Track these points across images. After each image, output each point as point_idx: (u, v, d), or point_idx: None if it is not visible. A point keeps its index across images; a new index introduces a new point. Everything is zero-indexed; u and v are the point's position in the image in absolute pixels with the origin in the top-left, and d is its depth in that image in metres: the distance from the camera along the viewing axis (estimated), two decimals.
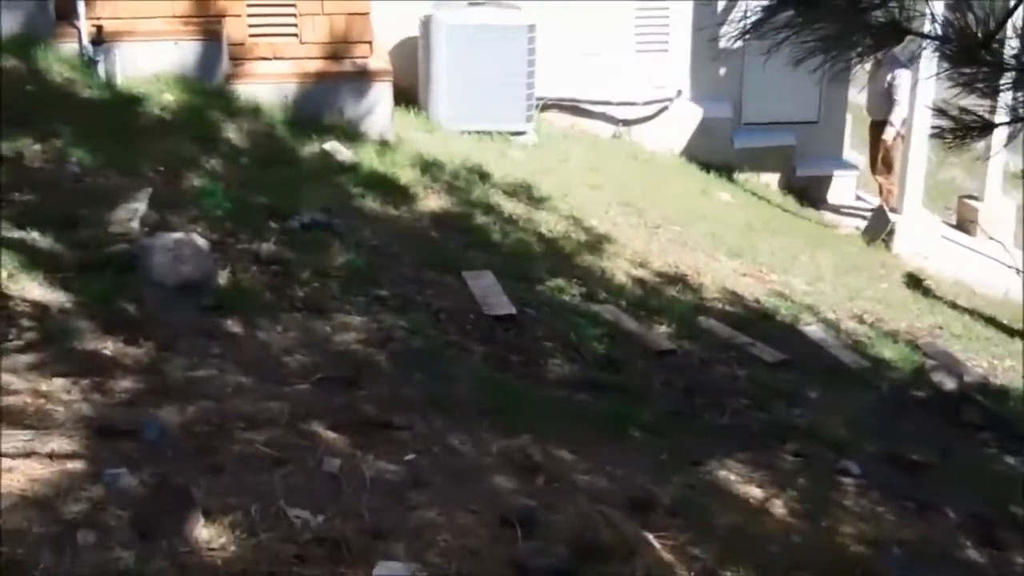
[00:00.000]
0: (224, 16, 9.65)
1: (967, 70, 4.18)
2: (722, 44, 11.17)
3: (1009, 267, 11.79)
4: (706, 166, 12.72)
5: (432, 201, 8.73)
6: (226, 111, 9.07)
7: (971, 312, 10.26)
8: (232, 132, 8.77)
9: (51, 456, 3.78)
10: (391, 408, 4.96)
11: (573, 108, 12.59)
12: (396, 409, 4.96)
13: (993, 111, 4.41)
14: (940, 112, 4.43)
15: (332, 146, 9.05)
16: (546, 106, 12.14)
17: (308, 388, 4.97)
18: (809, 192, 13.46)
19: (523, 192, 9.61)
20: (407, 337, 5.95)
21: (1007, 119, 4.33)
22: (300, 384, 5.01)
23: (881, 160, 12.81)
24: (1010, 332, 9.87)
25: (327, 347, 5.56)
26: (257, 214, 7.12)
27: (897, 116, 12.35)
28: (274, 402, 4.63)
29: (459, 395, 5.44)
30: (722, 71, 12.88)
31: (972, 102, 4.33)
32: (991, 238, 12.94)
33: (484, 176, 9.67)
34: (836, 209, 13.49)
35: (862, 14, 4.26)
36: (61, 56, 8.91)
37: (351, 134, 9.56)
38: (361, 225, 7.60)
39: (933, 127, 4.55)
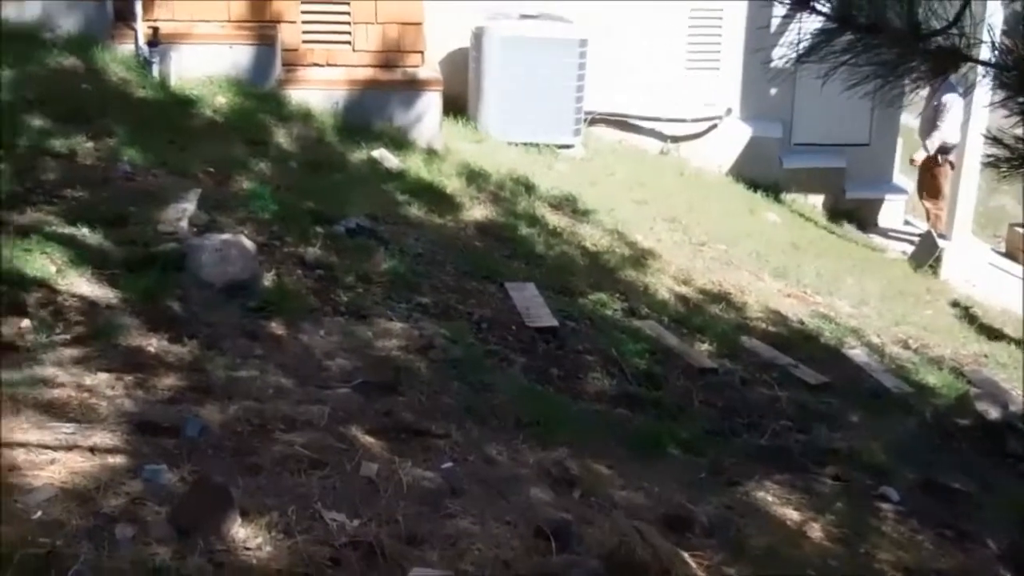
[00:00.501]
0: (279, 22, 9.73)
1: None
2: (775, 64, 11.18)
3: None
4: (753, 185, 12.68)
5: (477, 211, 8.75)
6: (277, 115, 9.13)
7: (1018, 341, 10.16)
8: (282, 136, 8.83)
9: (92, 450, 3.83)
10: (430, 415, 4.98)
11: (622, 123, 12.59)
12: (435, 417, 4.98)
13: None
14: (994, 140, 4.40)
15: (380, 153, 9.09)
16: (594, 120, 12.15)
17: (348, 392, 4.99)
18: (857, 215, 13.40)
19: (568, 205, 9.62)
20: (448, 345, 5.96)
21: None
22: (340, 388, 5.03)
23: (927, 185, 12.76)
24: None
25: (368, 352, 5.58)
26: (304, 218, 7.16)
27: (934, 141, 12.34)
28: (314, 405, 4.66)
29: (498, 405, 5.44)
30: (773, 91, 12.84)
31: None
32: None
33: (530, 188, 9.69)
34: (884, 233, 13.43)
35: (921, 40, 4.24)
36: (118, 56, 9.00)
37: (399, 142, 9.60)
38: (406, 232, 7.63)
39: (987, 155, 4.52)
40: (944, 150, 12.51)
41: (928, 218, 12.90)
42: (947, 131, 12.23)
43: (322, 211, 7.37)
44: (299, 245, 6.73)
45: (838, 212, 13.30)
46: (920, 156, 12.52)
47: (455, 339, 6.08)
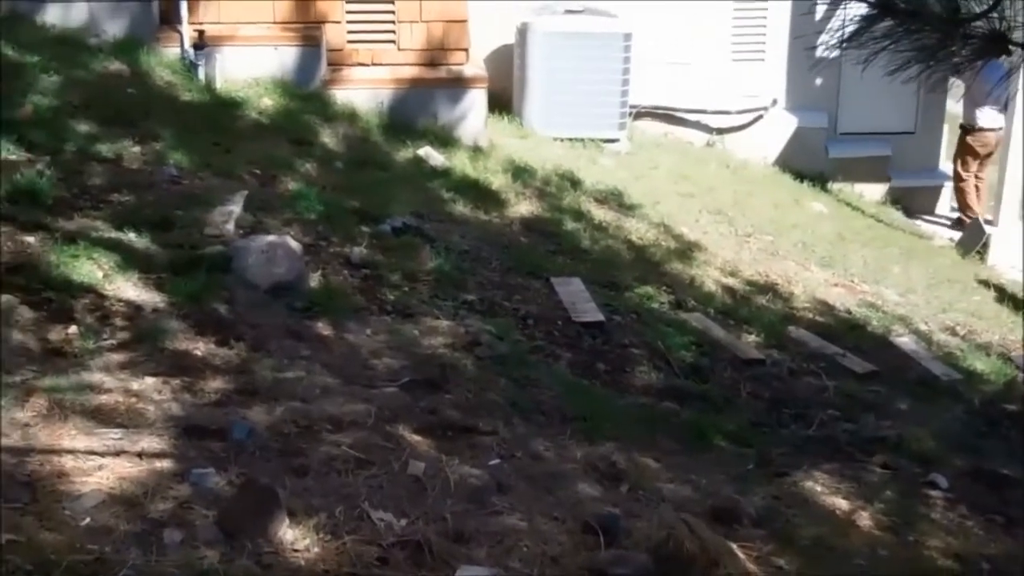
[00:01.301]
0: (324, 22, 9.77)
1: None
2: (819, 53, 11.11)
3: None
4: (799, 176, 12.60)
5: (523, 206, 8.76)
6: (322, 116, 9.18)
7: None
8: (327, 136, 8.88)
9: (140, 455, 3.87)
10: (476, 413, 5.00)
11: (667, 116, 12.55)
12: (481, 414, 5.00)
13: None
14: None
15: (425, 151, 9.12)
16: (639, 114, 12.12)
17: (394, 391, 5.02)
18: (904, 202, 13.30)
19: (613, 199, 9.61)
20: (494, 342, 5.98)
21: None
22: (387, 387, 5.06)
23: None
24: None
25: (414, 350, 5.61)
26: (349, 218, 7.20)
27: (967, 117, 12.60)
28: (360, 404, 4.69)
29: (544, 401, 5.46)
30: (818, 81, 12.77)
31: None
32: None
33: (575, 183, 9.69)
34: (931, 220, 13.34)
35: (962, 24, 4.22)
36: (163, 60, 9.08)
37: (445, 139, 9.63)
38: (451, 229, 7.65)
39: None
40: (968, 128, 12.77)
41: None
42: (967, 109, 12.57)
43: (367, 210, 7.41)
44: (345, 245, 6.77)
45: (885, 201, 13.21)
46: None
47: (501, 335, 6.10)
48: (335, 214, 7.15)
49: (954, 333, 8.90)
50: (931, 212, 13.54)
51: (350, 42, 9.93)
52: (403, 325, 5.92)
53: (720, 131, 12.73)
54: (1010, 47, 4.21)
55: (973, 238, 12.09)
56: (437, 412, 4.88)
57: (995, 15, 4.18)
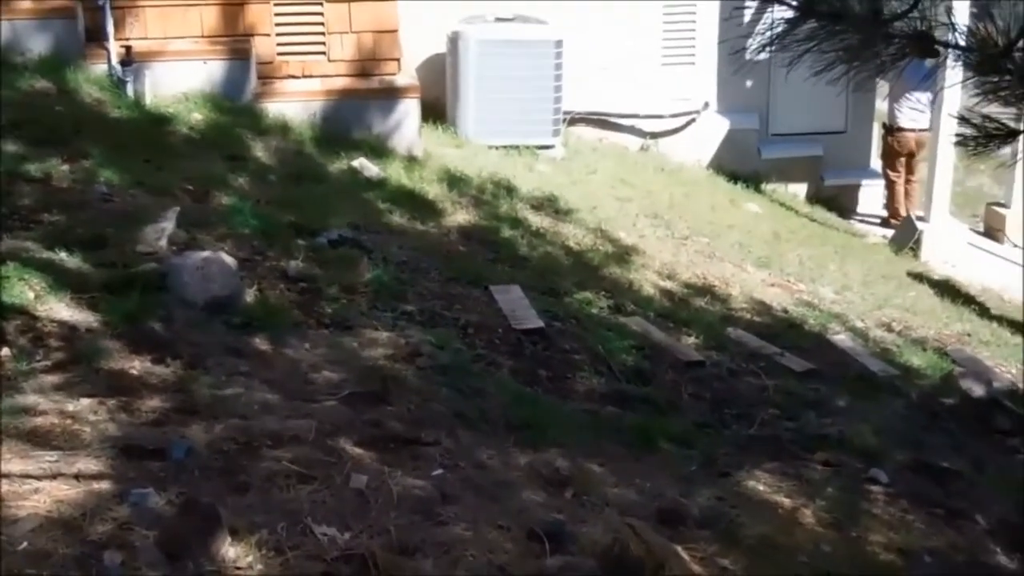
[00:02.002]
0: (253, 35, 9.72)
1: (990, 79, 4.19)
2: (748, 55, 11.18)
3: None
4: (734, 177, 12.71)
5: (460, 215, 8.75)
6: (255, 129, 9.12)
7: (999, 319, 10.22)
8: (260, 150, 8.81)
9: (77, 477, 3.80)
10: (419, 424, 4.97)
11: (601, 122, 12.59)
12: (424, 425, 4.97)
13: (1018, 118, 4.41)
14: (963, 120, 4.44)
15: (360, 162, 9.08)
16: (574, 120, 12.15)
17: (335, 404, 4.98)
18: (837, 202, 13.44)
19: (550, 205, 9.62)
20: (434, 352, 5.95)
21: None
22: (327, 401, 5.01)
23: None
24: None
25: (354, 363, 5.57)
26: (285, 231, 7.15)
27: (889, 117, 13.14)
28: (301, 419, 4.64)
29: (487, 410, 5.44)
30: (749, 83, 12.87)
31: (996, 109, 4.33)
32: (1016, 245, 12.91)
33: (511, 190, 9.68)
34: (864, 219, 13.50)
35: (885, 25, 4.27)
36: (91, 77, 8.98)
37: (379, 150, 9.59)
38: (389, 240, 7.61)
39: (956, 135, 4.56)
40: (889, 128, 13.16)
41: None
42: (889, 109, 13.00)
43: (303, 223, 7.35)
44: (281, 259, 6.71)
45: (818, 200, 13.35)
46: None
47: (442, 345, 6.08)
48: (270, 228, 7.09)
49: (890, 329, 9.00)
50: (864, 210, 13.69)
51: (280, 54, 9.88)
52: (342, 338, 5.87)
53: (654, 135, 12.80)
54: (935, 46, 4.26)
55: (906, 235, 12.24)
56: (379, 424, 4.84)
57: (915, 15, 4.23)
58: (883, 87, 11.90)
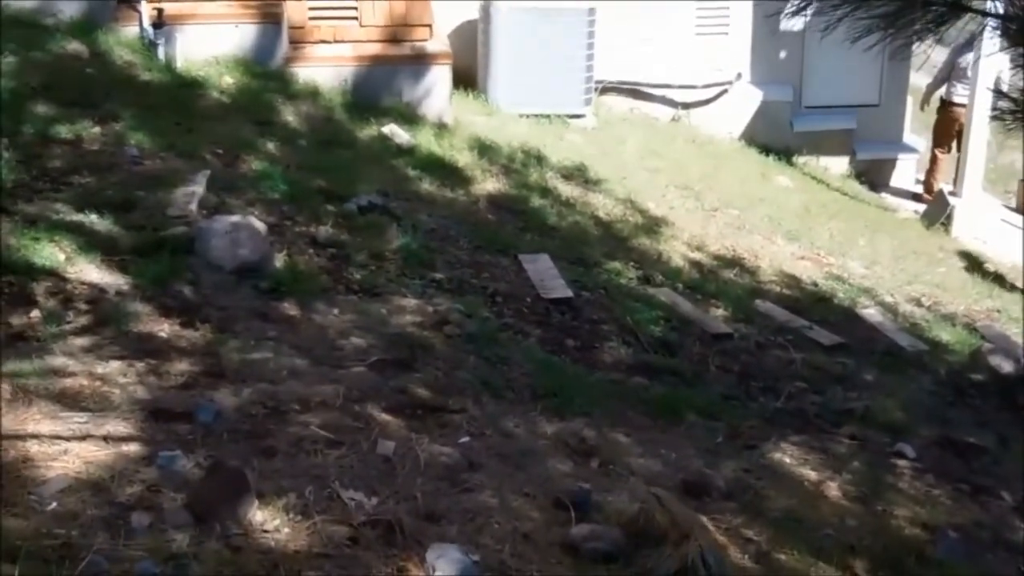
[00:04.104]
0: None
1: None
2: (782, 25, 11.15)
3: None
4: (765, 150, 12.65)
5: (489, 184, 8.73)
6: (285, 94, 9.11)
7: None
8: (291, 115, 8.80)
9: (106, 439, 3.82)
10: (446, 391, 4.97)
11: (632, 91, 12.54)
12: (451, 392, 4.97)
13: None
14: (999, 94, 4.39)
15: (390, 129, 9.06)
16: (605, 89, 12.11)
17: (363, 371, 4.98)
18: (869, 175, 13.37)
19: (580, 175, 9.60)
20: (462, 320, 5.95)
21: None
22: (355, 367, 5.02)
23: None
24: None
25: (382, 330, 5.57)
26: (314, 197, 7.15)
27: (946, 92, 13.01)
28: (329, 385, 4.65)
29: (514, 378, 5.44)
30: (782, 54, 12.80)
31: None
32: None
33: (541, 159, 9.66)
34: (895, 193, 13.41)
35: None
36: (122, 39, 8.96)
37: (409, 117, 9.57)
38: (418, 208, 7.61)
39: (993, 109, 4.53)
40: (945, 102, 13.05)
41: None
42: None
43: (333, 189, 7.35)
44: (310, 224, 6.72)
45: (851, 173, 13.27)
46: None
47: (470, 313, 6.07)
48: (300, 194, 7.09)
49: (920, 304, 8.94)
50: (897, 184, 13.60)
51: (312, 19, 9.86)
52: (371, 305, 5.87)
53: (686, 106, 12.74)
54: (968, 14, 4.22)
55: (938, 210, 12.15)
56: (406, 391, 4.85)
57: None
58: (917, 59, 11.76)
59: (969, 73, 12.10)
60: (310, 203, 7.01)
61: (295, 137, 8.42)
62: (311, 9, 9.84)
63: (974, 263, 10.87)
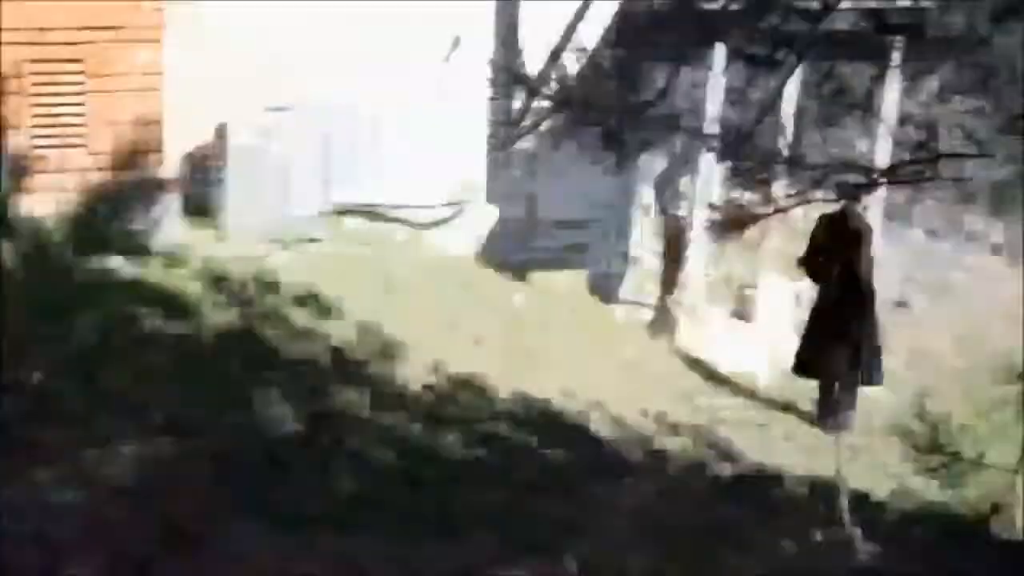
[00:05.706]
0: (5, 128, 9.35)
1: (733, 163, 4.41)
2: (516, 145, 11.43)
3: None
4: (502, 267, 12.80)
5: (220, 315, 8.59)
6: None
7: (752, 397, 10.64)
8: (6, 251, 8.45)
9: None
10: None
11: (369, 213, 12.55)
12: None
13: (766, 200, 4.61)
14: (711, 207, 4.67)
15: (117, 262, 8.83)
16: (342, 211, 12.09)
17: None
18: (600, 288, 13.65)
19: (314, 301, 9.54)
20: None
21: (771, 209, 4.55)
22: None
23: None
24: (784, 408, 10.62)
25: None
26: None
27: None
28: None
29: None
30: (517, 172, 13.05)
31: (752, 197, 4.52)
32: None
33: (273, 286, 9.57)
34: (627, 304, 13.76)
35: (633, 112, 4.45)
36: None
37: (137, 248, 9.34)
38: (141, 347, 7.42)
39: (707, 220, 4.79)
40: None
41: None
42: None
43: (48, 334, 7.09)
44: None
45: (583, 286, 13.54)
46: None
47: None
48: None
49: (646, 415, 9.19)
50: (625, 296, 13.93)
51: (36, 147, 9.50)
52: None
53: (423, 226, 12.80)
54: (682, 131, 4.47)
55: (664, 321, 12.59)
56: None
57: (660, 102, 4.44)
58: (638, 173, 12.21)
59: (685, 187, 12.67)
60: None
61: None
62: (36, 138, 9.48)
63: (701, 370, 11.27)
